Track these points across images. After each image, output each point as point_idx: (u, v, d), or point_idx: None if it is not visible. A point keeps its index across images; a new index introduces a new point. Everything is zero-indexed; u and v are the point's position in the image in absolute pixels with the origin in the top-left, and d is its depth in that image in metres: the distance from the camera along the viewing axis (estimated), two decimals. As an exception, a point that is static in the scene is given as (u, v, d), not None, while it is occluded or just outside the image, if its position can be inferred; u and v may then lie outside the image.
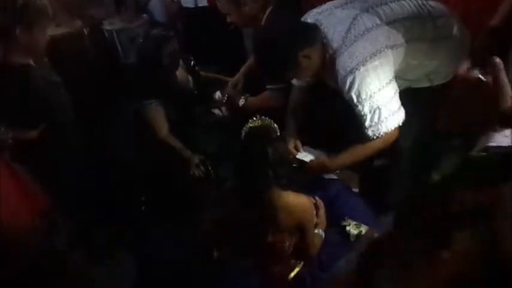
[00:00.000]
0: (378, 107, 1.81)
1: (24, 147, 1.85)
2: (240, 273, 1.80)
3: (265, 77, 2.39)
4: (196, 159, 2.44)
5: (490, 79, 1.02)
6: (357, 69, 1.76)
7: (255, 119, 1.73)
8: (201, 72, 2.86)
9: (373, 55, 1.76)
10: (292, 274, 1.82)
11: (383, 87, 1.80)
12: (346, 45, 1.78)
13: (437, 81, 2.02)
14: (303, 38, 1.82)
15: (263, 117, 1.74)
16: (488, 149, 0.89)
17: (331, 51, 1.83)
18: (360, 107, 1.83)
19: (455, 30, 1.97)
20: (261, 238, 1.75)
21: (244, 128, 1.72)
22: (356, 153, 1.97)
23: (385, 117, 1.84)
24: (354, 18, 1.82)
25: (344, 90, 1.82)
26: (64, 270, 1.34)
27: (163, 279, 1.96)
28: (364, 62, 1.76)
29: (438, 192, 0.71)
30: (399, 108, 1.87)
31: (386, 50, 1.79)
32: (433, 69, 2.00)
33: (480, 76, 1.21)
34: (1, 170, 1.64)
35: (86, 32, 2.99)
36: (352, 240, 1.88)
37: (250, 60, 2.71)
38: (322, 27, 1.85)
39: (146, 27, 3.33)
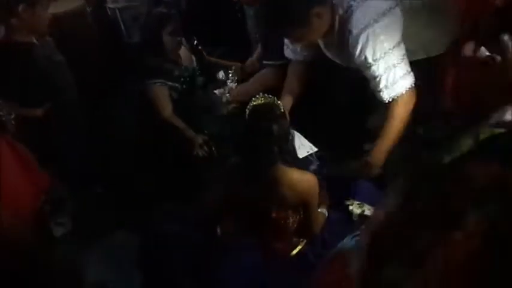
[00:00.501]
0: (393, 65, 1.79)
1: (28, 125, 1.86)
2: (242, 249, 1.82)
3: (266, 47, 2.38)
4: (199, 139, 2.44)
5: (498, 57, 1.01)
6: (370, 26, 1.74)
7: (257, 97, 1.74)
8: (206, 57, 2.85)
9: (386, 12, 1.75)
10: (295, 251, 1.84)
11: (397, 44, 1.78)
12: (357, 3, 1.77)
13: (433, 52, 2.00)
14: None
15: (266, 94, 1.75)
16: (503, 124, 0.86)
17: (341, 11, 1.79)
18: (374, 67, 1.79)
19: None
20: (264, 215, 1.76)
21: (248, 107, 1.73)
22: (388, 133, 1.90)
23: (400, 76, 1.81)
24: None
25: (355, 51, 1.79)
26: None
27: (166, 256, 1.98)
28: (377, 19, 1.74)
29: (451, 171, 0.70)
30: (410, 71, 1.84)
31: (396, 7, 1.78)
32: (429, 39, 1.98)
33: (489, 54, 1.20)
34: (3, 149, 1.64)
35: (88, 10, 2.96)
36: (355, 220, 1.88)
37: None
38: None
39: (149, 5, 3.29)
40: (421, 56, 2.01)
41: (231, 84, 2.67)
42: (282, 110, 1.73)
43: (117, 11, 3.30)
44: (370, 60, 1.78)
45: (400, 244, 0.66)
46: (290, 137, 1.76)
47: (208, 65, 2.80)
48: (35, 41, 2.14)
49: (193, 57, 2.76)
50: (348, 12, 1.78)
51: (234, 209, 1.84)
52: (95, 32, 3.06)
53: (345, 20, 1.79)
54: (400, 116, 1.87)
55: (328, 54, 2.02)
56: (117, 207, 2.43)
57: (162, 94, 2.51)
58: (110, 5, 3.31)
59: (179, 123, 2.50)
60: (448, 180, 0.66)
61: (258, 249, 1.84)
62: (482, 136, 0.80)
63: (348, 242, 1.13)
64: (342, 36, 1.83)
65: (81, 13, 2.87)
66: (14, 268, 0.96)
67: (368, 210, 1.91)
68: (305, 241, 1.85)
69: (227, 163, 1.88)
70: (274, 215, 1.75)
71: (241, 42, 2.98)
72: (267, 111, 1.68)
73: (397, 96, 1.83)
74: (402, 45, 1.81)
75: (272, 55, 2.39)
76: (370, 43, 1.76)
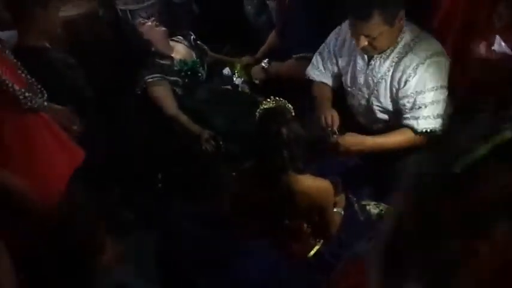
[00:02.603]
0: (440, 101, 1.93)
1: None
2: (259, 249, 1.84)
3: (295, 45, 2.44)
4: (206, 134, 2.45)
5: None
6: (436, 55, 1.92)
7: (268, 100, 1.73)
8: (209, 53, 2.88)
9: (443, 52, 1.95)
10: (312, 253, 1.84)
11: (444, 86, 1.93)
12: (422, 37, 1.96)
13: None
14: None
15: (277, 98, 1.74)
16: None
17: (409, 37, 1.95)
18: (427, 94, 1.91)
19: None
20: (278, 220, 1.76)
21: (259, 110, 1.73)
22: (392, 138, 2.01)
23: (438, 114, 1.93)
24: None
25: (413, 75, 1.92)
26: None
27: (182, 257, 2.00)
28: (440, 53, 1.94)
29: (472, 177, 0.67)
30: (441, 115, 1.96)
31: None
32: None
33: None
34: (39, 124, 1.69)
35: (100, 13, 2.98)
36: (374, 219, 1.88)
37: (270, 41, 2.78)
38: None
39: (160, 6, 3.30)
40: None
41: (237, 80, 2.69)
42: (293, 114, 1.71)
43: (128, 13, 3.31)
44: (427, 86, 1.90)
45: (418, 256, 0.64)
46: (303, 144, 1.74)
47: (212, 61, 2.83)
48: (47, 45, 2.17)
49: (193, 53, 2.77)
50: (417, 39, 1.95)
51: (247, 212, 1.84)
52: (107, 34, 3.08)
53: (413, 46, 1.94)
54: (409, 140, 1.97)
55: (351, 81, 2.14)
56: (131, 207, 2.46)
57: (165, 92, 2.55)
58: (121, 6, 3.33)
59: (185, 119, 2.51)
60: (470, 187, 0.63)
61: (274, 249, 1.85)
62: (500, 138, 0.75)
63: (363, 245, 1.12)
64: (401, 57, 1.95)
65: (94, 15, 2.89)
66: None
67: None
68: (322, 241, 1.85)
69: (242, 166, 1.88)
70: (287, 221, 1.75)
71: (247, 41, 3.01)
72: (278, 114, 1.67)
73: (430, 130, 1.92)
74: (445, 91, 1.94)
75: (300, 48, 2.46)
76: (433, 70, 1.90)
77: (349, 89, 2.18)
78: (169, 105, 2.53)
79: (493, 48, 1.96)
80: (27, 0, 2.00)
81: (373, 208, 1.92)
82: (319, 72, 2.25)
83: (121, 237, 2.19)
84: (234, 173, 1.94)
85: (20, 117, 1.71)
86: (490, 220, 0.56)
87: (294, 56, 2.50)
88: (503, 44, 1.94)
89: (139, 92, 2.60)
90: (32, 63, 1.99)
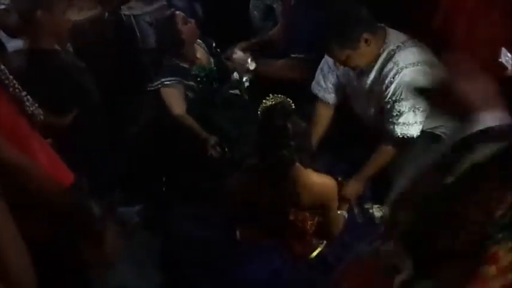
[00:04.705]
0: (418, 108, 1.96)
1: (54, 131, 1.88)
2: (262, 251, 1.85)
3: (294, 45, 2.51)
4: (212, 140, 2.46)
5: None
6: (417, 64, 1.95)
7: (268, 98, 1.78)
8: (222, 57, 2.89)
9: (428, 62, 1.97)
10: (314, 254, 1.84)
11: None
12: (409, 44, 2.00)
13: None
14: (371, 22, 1.98)
15: (275, 95, 1.78)
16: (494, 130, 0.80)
17: (392, 46, 2.00)
18: (403, 102, 1.96)
19: None
20: (282, 216, 1.77)
21: (261, 108, 1.77)
22: (376, 161, 2.08)
23: (416, 122, 1.98)
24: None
25: (393, 82, 1.96)
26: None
27: (184, 259, 2.00)
28: (422, 63, 1.97)
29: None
30: (422, 122, 2.01)
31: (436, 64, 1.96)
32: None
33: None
34: (35, 135, 1.67)
35: (106, 17, 3.01)
36: (377, 222, 1.89)
37: (271, 36, 2.84)
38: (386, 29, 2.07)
39: (163, 11, 3.33)
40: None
41: (246, 83, 2.70)
42: (294, 107, 1.76)
43: (132, 18, 3.34)
44: (403, 94, 1.95)
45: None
46: (309, 135, 1.78)
47: (226, 69, 2.84)
48: (57, 47, 2.19)
49: (211, 59, 2.79)
50: (399, 48, 1.99)
51: (251, 211, 1.85)
52: (112, 38, 3.11)
53: (394, 54, 1.98)
54: (390, 153, 2.05)
55: (349, 91, 2.21)
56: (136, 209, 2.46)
57: (176, 93, 2.55)
58: (126, 11, 3.36)
59: (191, 123, 2.52)
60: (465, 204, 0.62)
61: (277, 250, 1.85)
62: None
63: (365, 247, 1.12)
64: (383, 67, 2.01)
65: (100, 20, 2.92)
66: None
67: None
68: (325, 243, 1.86)
69: (243, 165, 1.89)
70: (291, 216, 1.76)
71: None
72: (281, 110, 1.72)
73: (407, 136, 1.99)
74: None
75: (299, 49, 2.49)
76: (410, 79, 1.93)
77: (350, 97, 2.28)
78: (178, 105, 2.54)
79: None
80: (33, 3, 2.03)
81: (376, 211, 1.93)
82: (321, 87, 2.32)
83: (125, 239, 2.21)
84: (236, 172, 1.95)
85: (18, 123, 1.67)
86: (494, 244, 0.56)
87: (293, 55, 2.53)
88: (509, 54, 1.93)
89: (151, 89, 2.60)
90: (43, 66, 2.01)
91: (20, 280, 0.83)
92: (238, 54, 2.69)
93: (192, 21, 2.63)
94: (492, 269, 0.56)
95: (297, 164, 1.71)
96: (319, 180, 1.76)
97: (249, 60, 2.61)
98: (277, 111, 1.71)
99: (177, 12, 2.60)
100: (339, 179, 1.95)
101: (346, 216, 1.88)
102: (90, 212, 1.41)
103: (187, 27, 2.55)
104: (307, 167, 1.75)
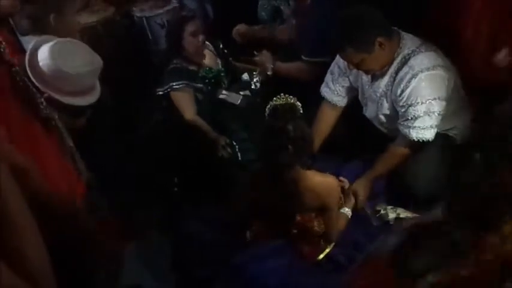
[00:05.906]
0: (433, 112, 1.97)
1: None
2: (271, 252, 1.85)
3: (308, 49, 2.52)
4: (222, 140, 2.47)
5: None
6: (433, 68, 1.97)
7: (279, 96, 1.77)
8: (230, 59, 2.89)
9: (443, 66, 2.00)
10: (322, 255, 1.83)
11: (442, 98, 1.99)
12: (424, 49, 2.01)
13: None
14: (385, 26, 1.99)
15: (287, 95, 1.77)
16: None
17: (407, 51, 2.01)
18: (419, 106, 1.97)
19: None
20: (289, 218, 1.77)
21: (269, 106, 1.77)
22: (386, 162, 2.11)
23: (431, 125, 1.99)
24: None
25: (409, 86, 1.97)
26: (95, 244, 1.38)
27: (196, 260, 2.01)
28: (438, 67, 1.98)
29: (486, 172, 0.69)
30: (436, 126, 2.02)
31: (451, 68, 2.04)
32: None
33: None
34: (48, 147, 1.68)
35: (118, 19, 3.04)
36: (392, 223, 1.88)
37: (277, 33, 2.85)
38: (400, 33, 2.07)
39: (174, 13, 3.35)
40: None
41: (256, 84, 2.70)
42: (302, 112, 1.75)
43: (144, 20, 3.37)
44: (419, 99, 1.96)
45: (432, 244, 0.66)
46: (310, 141, 1.77)
47: (234, 69, 2.84)
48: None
49: (219, 61, 2.79)
50: (414, 53, 1.99)
51: (260, 213, 1.85)
52: (125, 40, 3.14)
53: (409, 59, 1.99)
54: (402, 155, 2.07)
55: (361, 95, 2.22)
56: (147, 210, 2.47)
57: (186, 97, 2.57)
58: (137, 13, 3.39)
59: (202, 124, 2.54)
60: (486, 185, 0.65)
61: (286, 252, 1.85)
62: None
63: (377, 246, 1.12)
64: (397, 71, 2.01)
65: (112, 22, 2.96)
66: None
67: (403, 214, 1.90)
68: (333, 244, 1.85)
69: (252, 167, 1.90)
70: (298, 218, 1.75)
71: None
72: (285, 111, 1.71)
73: (422, 140, 2.00)
74: (445, 104, 2.00)
75: (312, 51, 2.51)
76: (426, 83, 1.95)
77: (361, 101, 2.29)
78: (189, 110, 2.56)
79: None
80: (43, 7, 2.05)
81: (390, 212, 1.92)
82: (329, 89, 2.31)
83: (136, 240, 2.22)
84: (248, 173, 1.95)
85: (29, 126, 1.67)
86: (500, 214, 0.58)
87: (305, 58, 2.53)
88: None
89: (161, 93, 2.62)
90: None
91: (39, 275, 0.83)
92: (264, 53, 2.70)
93: (202, 37, 2.60)
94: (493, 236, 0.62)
95: (297, 167, 1.70)
96: (321, 181, 1.76)
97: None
98: (281, 112, 1.70)
99: (192, 21, 2.58)
100: (341, 178, 1.94)
101: (350, 214, 1.87)
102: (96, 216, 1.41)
103: (192, 39, 2.54)
104: (308, 169, 1.74)
